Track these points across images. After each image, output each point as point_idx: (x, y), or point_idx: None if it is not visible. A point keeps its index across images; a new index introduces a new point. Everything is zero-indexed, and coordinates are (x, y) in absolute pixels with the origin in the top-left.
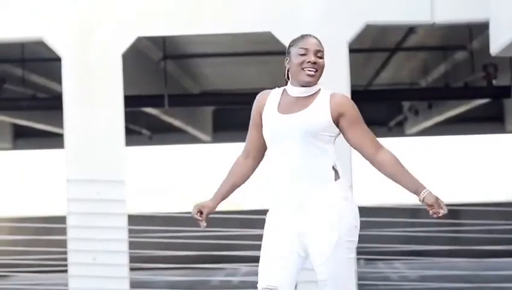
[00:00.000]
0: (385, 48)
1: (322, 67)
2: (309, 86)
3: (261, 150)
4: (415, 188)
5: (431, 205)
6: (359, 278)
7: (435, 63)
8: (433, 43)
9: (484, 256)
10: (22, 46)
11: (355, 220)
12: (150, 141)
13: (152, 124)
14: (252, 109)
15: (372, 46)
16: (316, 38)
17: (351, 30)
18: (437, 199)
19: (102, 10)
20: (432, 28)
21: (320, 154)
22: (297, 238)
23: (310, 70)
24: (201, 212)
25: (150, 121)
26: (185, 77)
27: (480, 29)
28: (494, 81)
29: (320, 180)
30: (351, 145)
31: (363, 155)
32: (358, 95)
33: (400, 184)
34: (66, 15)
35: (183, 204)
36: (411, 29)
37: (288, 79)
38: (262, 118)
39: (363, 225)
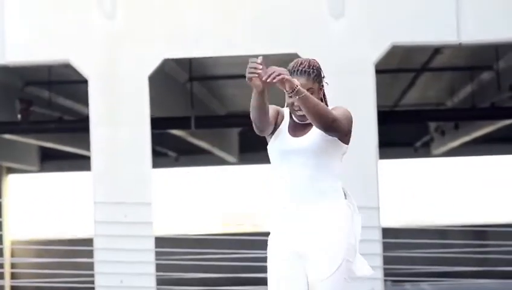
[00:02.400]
0: (411, 68)
1: None
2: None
3: (269, 116)
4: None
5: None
6: None
7: (462, 83)
8: (459, 63)
9: None
10: (48, 68)
11: (355, 241)
12: (177, 163)
13: (178, 145)
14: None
15: (399, 67)
16: (303, 72)
17: (377, 51)
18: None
19: (128, 33)
20: (458, 48)
21: (327, 174)
22: (300, 258)
23: (299, 111)
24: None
25: (177, 143)
26: (211, 99)
27: (506, 49)
28: None
29: (326, 199)
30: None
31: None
32: (384, 115)
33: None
34: (92, 38)
35: (210, 226)
36: (437, 50)
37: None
38: (276, 131)
39: (390, 246)
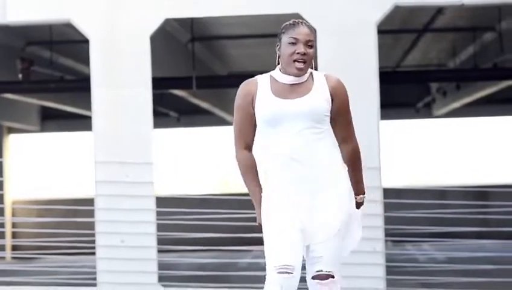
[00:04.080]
0: (413, 29)
1: (312, 57)
2: (299, 76)
3: (253, 140)
4: (358, 188)
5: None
6: (387, 260)
7: (464, 44)
8: (461, 24)
9: None
10: (50, 28)
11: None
12: (178, 123)
13: (180, 106)
14: (241, 100)
15: (401, 27)
16: (308, 26)
17: (380, 11)
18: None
19: None
20: (461, 9)
21: (322, 137)
22: (299, 217)
23: (299, 62)
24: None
25: (178, 103)
26: (213, 59)
27: (509, 10)
28: None
29: (325, 162)
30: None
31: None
32: (386, 76)
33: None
34: None
35: (210, 186)
36: (439, 10)
37: (279, 64)
38: (256, 105)
39: (392, 207)
